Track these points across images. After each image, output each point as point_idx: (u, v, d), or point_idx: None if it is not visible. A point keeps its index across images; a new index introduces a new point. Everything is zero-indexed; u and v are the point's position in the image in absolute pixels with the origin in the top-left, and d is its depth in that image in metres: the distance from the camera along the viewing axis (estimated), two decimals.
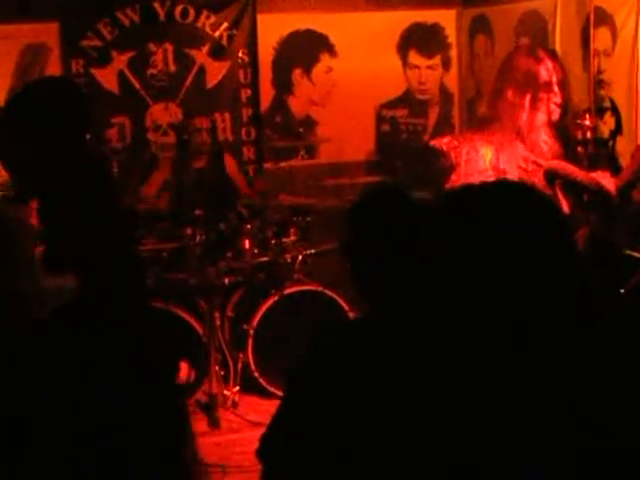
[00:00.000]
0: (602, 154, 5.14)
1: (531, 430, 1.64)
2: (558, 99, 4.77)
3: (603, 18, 6.40)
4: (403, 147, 8.27)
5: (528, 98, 4.73)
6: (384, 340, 2.04)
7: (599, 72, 6.42)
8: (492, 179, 2.23)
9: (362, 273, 2.30)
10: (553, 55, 5.15)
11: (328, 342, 2.21)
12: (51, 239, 3.83)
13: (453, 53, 8.52)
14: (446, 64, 8.52)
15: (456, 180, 4.70)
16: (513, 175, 4.59)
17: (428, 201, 2.13)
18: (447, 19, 8.46)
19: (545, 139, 4.74)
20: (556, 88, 4.76)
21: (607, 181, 4.83)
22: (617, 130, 5.19)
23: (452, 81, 8.55)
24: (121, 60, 7.78)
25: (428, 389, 1.75)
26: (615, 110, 5.29)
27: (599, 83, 6.38)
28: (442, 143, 4.93)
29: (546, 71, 4.77)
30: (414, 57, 8.43)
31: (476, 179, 4.28)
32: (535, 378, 1.66)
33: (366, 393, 1.94)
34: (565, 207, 4.78)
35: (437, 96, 8.55)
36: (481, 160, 4.68)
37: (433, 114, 8.56)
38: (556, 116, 4.82)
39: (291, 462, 2.02)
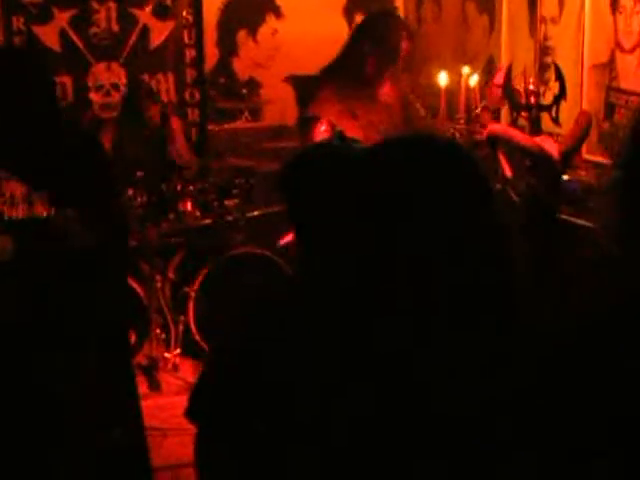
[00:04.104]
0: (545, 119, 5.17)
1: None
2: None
3: None
4: None
5: (390, 71, 4.75)
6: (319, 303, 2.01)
7: (545, 39, 6.42)
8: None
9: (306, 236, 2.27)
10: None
11: (267, 304, 2.18)
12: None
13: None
14: None
15: None
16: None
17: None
18: None
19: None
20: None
21: (550, 146, 4.84)
22: (561, 95, 5.20)
23: None
24: (63, 18, 7.63)
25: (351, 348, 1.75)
26: (559, 75, 5.30)
27: (544, 50, 6.39)
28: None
29: (406, 47, 4.79)
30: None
31: None
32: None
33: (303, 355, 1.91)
34: (508, 172, 4.78)
35: None
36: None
37: None
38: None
39: (227, 420, 2.00)
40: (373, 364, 1.70)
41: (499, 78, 4.81)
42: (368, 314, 1.72)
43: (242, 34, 8.13)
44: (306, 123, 4.90)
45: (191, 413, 2.10)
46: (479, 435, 1.65)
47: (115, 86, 7.73)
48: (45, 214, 3.67)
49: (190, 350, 6.30)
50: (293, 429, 1.83)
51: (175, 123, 7.07)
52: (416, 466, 1.67)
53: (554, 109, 5.13)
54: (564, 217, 4.87)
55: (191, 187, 6.44)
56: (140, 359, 6.10)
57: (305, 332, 1.89)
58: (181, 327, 6.31)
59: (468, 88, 5.69)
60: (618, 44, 5.72)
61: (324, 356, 1.79)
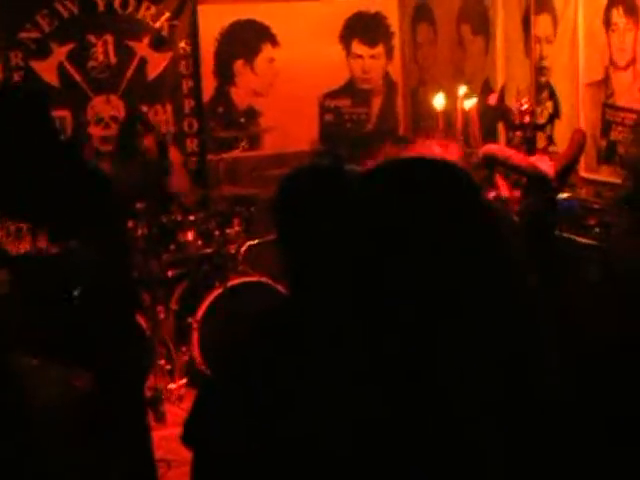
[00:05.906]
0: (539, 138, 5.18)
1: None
2: None
3: (544, 5, 6.43)
4: (347, 137, 8.25)
5: None
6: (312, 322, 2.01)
7: (540, 58, 6.44)
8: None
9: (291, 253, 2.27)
10: None
11: (262, 325, 2.19)
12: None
13: (396, 42, 8.51)
14: (389, 53, 8.51)
15: None
16: None
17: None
18: (389, 8, 8.45)
19: None
20: None
21: (545, 165, 4.84)
22: (554, 114, 5.22)
23: (395, 70, 8.54)
24: (61, 52, 7.67)
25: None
26: (553, 95, 5.31)
27: (540, 69, 6.41)
28: None
29: None
30: (357, 46, 8.41)
31: None
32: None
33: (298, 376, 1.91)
34: (504, 191, 4.78)
35: (380, 85, 8.54)
36: None
37: (377, 103, 8.55)
38: None
39: (224, 442, 1.99)
40: (381, 374, 1.70)
41: (492, 99, 4.81)
42: (368, 329, 1.71)
43: (239, 63, 8.16)
44: None
45: (187, 438, 2.09)
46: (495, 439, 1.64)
47: (114, 119, 7.75)
48: (47, 249, 3.68)
49: (195, 381, 6.28)
50: (293, 446, 1.82)
51: (173, 153, 7.09)
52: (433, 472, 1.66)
53: (548, 128, 5.14)
54: (563, 235, 4.86)
55: (191, 217, 6.45)
56: (145, 390, 6.08)
57: (302, 353, 1.89)
58: (185, 358, 6.30)
59: (464, 110, 5.70)
60: (612, 62, 5.73)
61: (324, 373, 1.79)
